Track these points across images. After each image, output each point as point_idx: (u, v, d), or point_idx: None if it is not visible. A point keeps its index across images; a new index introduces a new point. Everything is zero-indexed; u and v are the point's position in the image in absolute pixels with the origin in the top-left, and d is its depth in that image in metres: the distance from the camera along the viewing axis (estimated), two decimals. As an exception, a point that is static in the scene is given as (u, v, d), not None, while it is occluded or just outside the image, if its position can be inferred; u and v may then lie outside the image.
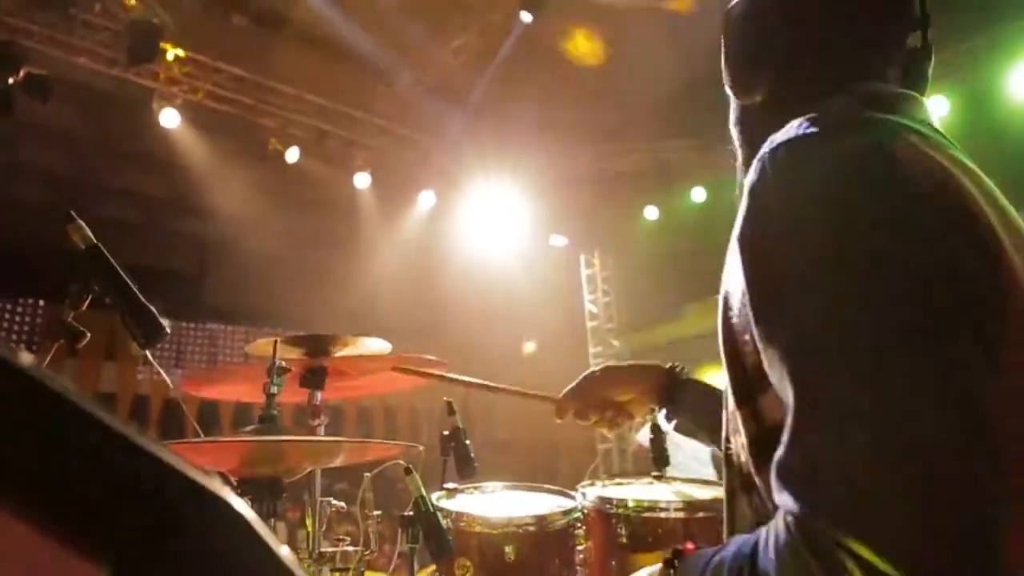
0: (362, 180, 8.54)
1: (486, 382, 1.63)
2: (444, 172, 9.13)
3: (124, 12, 6.58)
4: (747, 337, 0.83)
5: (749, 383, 0.85)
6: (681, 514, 1.68)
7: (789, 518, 0.68)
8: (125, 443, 0.34)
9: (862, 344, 0.68)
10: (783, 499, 0.69)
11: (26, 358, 0.34)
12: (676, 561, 0.99)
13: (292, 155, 7.95)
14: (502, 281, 9.90)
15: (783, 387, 0.72)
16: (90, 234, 1.41)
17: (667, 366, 1.54)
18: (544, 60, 7.98)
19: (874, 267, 0.70)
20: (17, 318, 10.32)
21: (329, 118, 8.20)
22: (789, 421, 0.70)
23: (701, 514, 1.67)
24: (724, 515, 1.00)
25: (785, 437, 0.70)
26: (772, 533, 0.72)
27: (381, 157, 8.63)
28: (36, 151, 8.84)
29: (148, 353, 1.43)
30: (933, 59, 1.01)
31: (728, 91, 1.06)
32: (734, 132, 1.10)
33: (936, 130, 0.86)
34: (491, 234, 9.37)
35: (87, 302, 1.41)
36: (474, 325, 11.19)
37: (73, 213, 1.38)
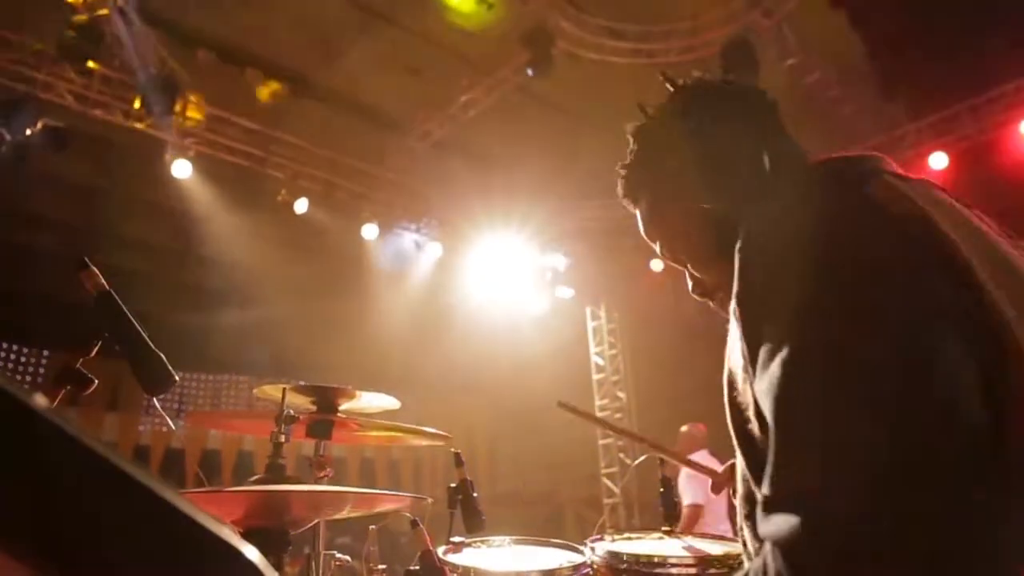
0: (370, 231, 8.61)
1: (658, 446, 1.76)
2: (451, 224, 9.21)
3: (142, 66, 6.73)
4: (752, 415, 0.85)
5: (764, 464, 0.81)
6: (692, 570, 1.64)
7: (775, 550, 0.69)
8: (142, 491, 0.34)
9: (848, 379, 0.70)
10: (768, 530, 0.69)
11: (40, 400, 0.34)
12: None
13: (301, 206, 8.04)
14: (508, 333, 9.88)
15: (772, 428, 0.73)
16: (102, 280, 1.42)
17: None
18: (551, 114, 8.12)
19: (859, 305, 0.73)
20: (23, 363, 10.35)
21: (338, 170, 8.31)
22: (771, 454, 0.71)
23: (712, 570, 1.63)
24: None
25: (769, 469, 0.71)
26: (756, 568, 0.72)
27: (389, 209, 8.72)
28: (47, 200, 8.96)
29: (156, 401, 1.42)
30: None
31: (691, 200, 1.06)
32: (686, 243, 1.11)
33: (907, 177, 0.92)
34: (497, 286, 9.39)
35: (96, 349, 1.41)
36: (480, 376, 11.14)
37: (87, 259, 1.39)
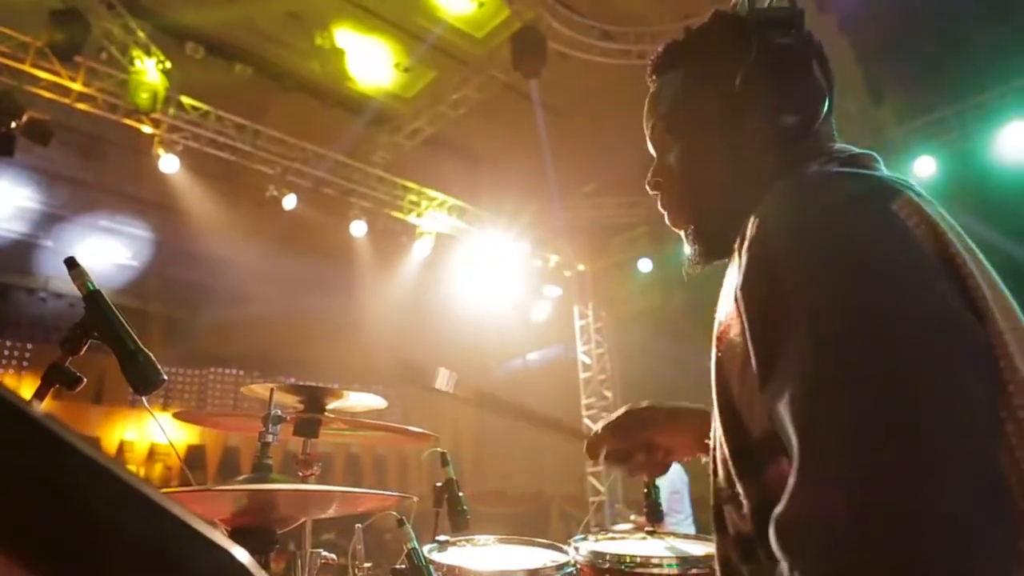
0: (358, 228, 8.59)
1: (529, 411, 1.50)
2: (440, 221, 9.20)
3: (129, 60, 6.69)
4: (755, 405, 0.78)
5: (754, 453, 0.80)
6: (675, 570, 1.66)
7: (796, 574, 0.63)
8: (130, 493, 0.35)
9: (867, 395, 0.65)
10: (788, 556, 0.65)
11: (33, 404, 0.35)
12: None
13: (289, 202, 8.01)
14: (496, 331, 9.89)
15: (791, 439, 0.68)
16: (92, 279, 1.42)
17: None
18: (540, 113, 8.12)
19: (879, 316, 0.68)
20: (5, 355, 10.26)
21: (327, 166, 8.29)
22: (794, 474, 0.66)
23: (695, 571, 1.65)
24: None
25: (790, 489, 0.66)
26: None
27: (378, 205, 8.70)
28: (33, 192, 8.89)
29: (144, 399, 1.43)
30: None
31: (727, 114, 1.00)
32: (686, 143, 1.07)
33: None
34: (486, 284, 9.40)
35: (85, 347, 1.40)
36: (468, 373, 11.12)
37: (75, 258, 1.39)
